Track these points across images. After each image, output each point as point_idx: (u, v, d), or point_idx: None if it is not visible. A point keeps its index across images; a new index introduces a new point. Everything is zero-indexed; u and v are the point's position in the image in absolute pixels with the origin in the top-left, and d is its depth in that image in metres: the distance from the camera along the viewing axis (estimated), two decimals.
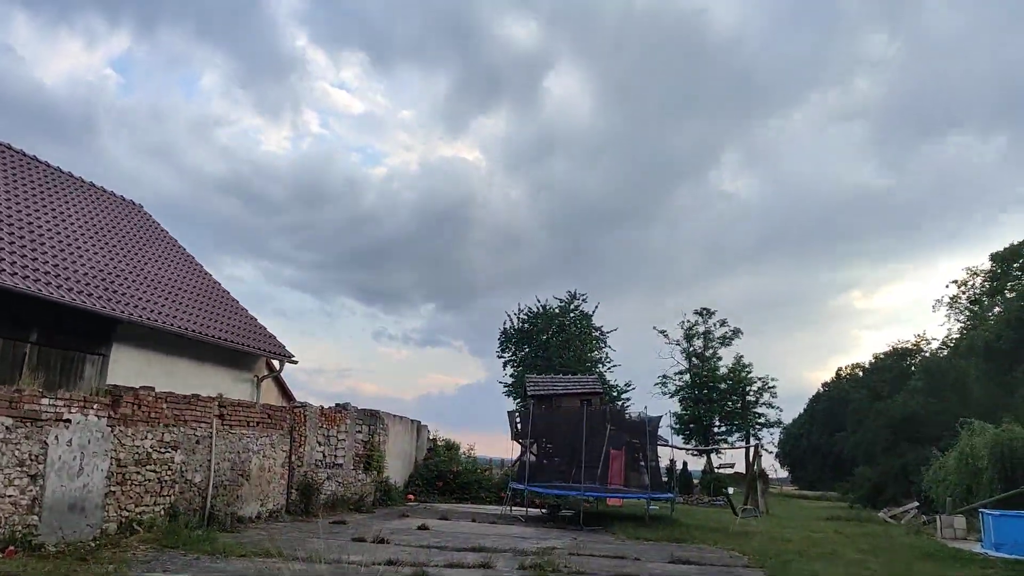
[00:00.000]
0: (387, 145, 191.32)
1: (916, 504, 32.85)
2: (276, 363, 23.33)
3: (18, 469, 10.57)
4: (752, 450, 32.97)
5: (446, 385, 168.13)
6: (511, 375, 49.40)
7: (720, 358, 58.79)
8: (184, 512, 13.87)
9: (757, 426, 57.17)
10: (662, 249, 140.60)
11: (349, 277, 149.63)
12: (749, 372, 57.71)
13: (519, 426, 26.71)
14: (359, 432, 22.03)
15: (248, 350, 21.40)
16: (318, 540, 13.67)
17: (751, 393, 57.46)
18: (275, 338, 23.38)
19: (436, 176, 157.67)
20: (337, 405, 21.72)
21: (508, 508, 23.36)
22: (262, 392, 22.78)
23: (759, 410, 57.66)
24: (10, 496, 10.44)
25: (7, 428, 10.44)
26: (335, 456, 20.55)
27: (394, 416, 25.12)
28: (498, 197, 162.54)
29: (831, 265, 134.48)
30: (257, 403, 18.67)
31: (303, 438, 18.83)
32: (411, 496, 25.24)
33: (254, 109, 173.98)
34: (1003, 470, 26.58)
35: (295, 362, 23.13)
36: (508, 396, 49.85)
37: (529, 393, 30.30)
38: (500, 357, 50.37)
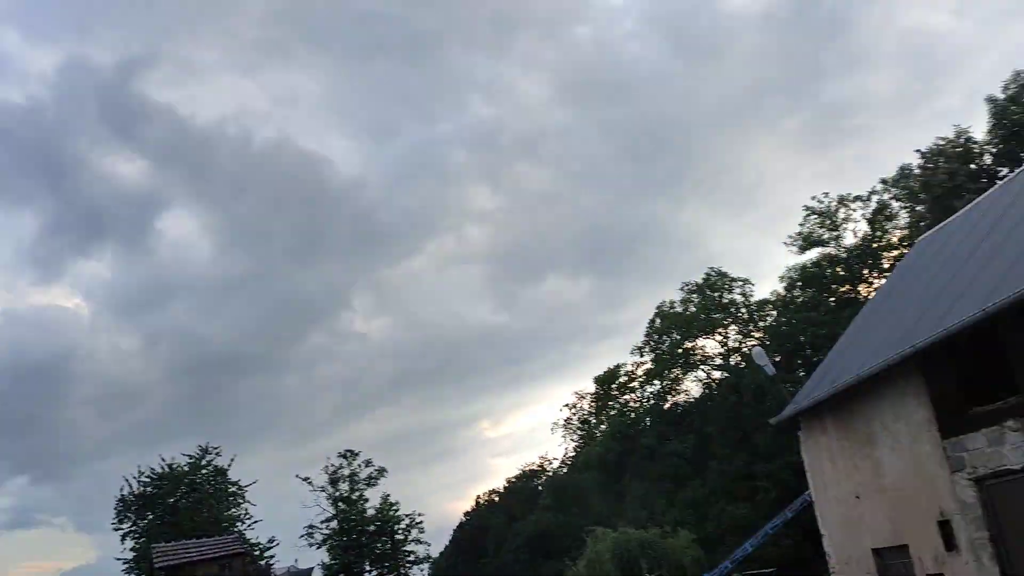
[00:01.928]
0: None
1: None
2: None
3: None
4: None
5: (45, 573, 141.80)
6: (132, 548, 43.42)
7: (367, 499, 58.09)
8: None
9: (407, 564, 56.94)
10: (298, 393, 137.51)
11: None
12: (397, 510, 57.79)
13: None
14: None
15: None
16: None
17: (399, 532, 57.35)
18: None
19: (24, 327, 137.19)
20: None
21: None
22: None
23: (409, 547, 57.60)
24: None
25: None
26: None
27: None
28: (106, 348, 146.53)
29: (461, 399, 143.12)
30: None
31: None
32: None
33: None
34: (625, 569, 29.87)
35: None
36: (129, 574, 43.51)
37: (157, 566, 26.97)
38: (118, 529, 44.02)
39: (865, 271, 40.92)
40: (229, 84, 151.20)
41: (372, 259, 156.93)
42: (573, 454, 61.59)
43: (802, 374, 33.84)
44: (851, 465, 18.07)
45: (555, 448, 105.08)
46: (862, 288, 40.08)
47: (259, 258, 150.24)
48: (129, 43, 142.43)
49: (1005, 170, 32.53)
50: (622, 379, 50.97)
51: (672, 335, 46.21)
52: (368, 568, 55.88)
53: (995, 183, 26.41)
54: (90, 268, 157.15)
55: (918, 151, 37.65)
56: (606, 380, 51.67)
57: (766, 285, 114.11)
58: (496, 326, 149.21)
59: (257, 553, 43.44)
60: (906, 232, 38.02)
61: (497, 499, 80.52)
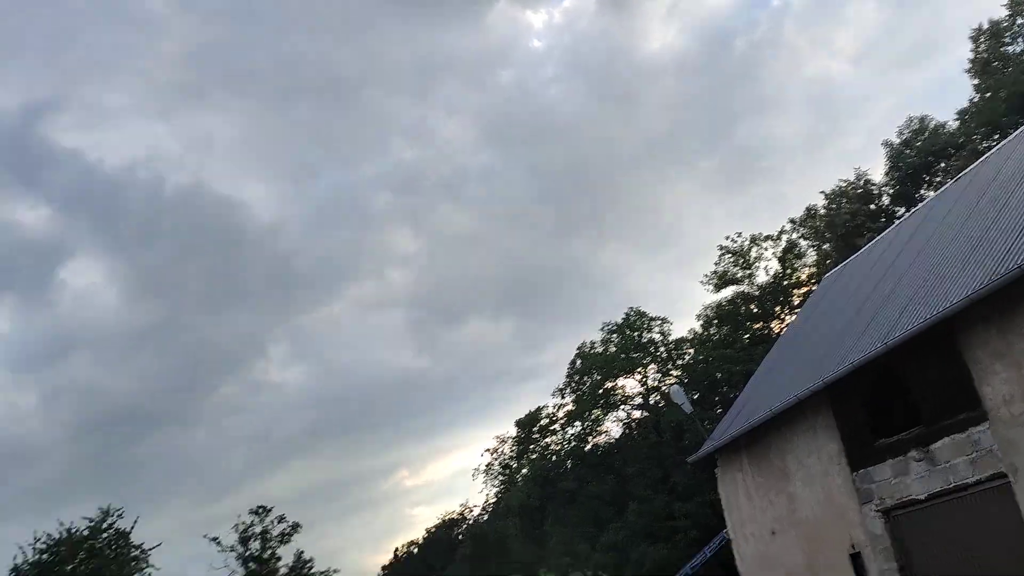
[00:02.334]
0: None
1: None
2: None
3: None
4: None
5: None
6: None
7: (280, 557, 55.72)
8: None
9: None
10: (208, 448, 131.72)
11: None
12: (311, 567, 55.59)
13: None
14: None
15: None
16: None
17: None
18: None
19: None
20: None
21: None
22: None
23: None
24: None
25: None
26: None
27: None
28: (1, 406, 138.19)
29: (379, 448, 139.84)
30: None
31: None
32: None
33: None
34: None
35: None
36: None
37: None
38: None
39: (777, 308, 42.06)
40: (141, 128, 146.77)
41: (288, 305, 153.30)
42: (494, 500, 60.70)
43: (719, 411, 34.30)
44: (766, 500, 18.17)
45: (476, 495, 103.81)
46: (774, 324, 41.14)
47: (169, 307, 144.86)
48: (33, 86, 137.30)
49: (902, 210, 34.15)
50: (543, 421, 50.70)
51: (593, 375, 46.28)
52: None
53: (892, 222, 27.61)
54: None
55: (822, 192, 39.29)
56: (527, 423, 51.29)
57: (684, 323, 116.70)
58: (417, 371, 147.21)
59: None
60: (814, 269, 39.36)
61: (416, 551, 78.61)
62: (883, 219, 35.12)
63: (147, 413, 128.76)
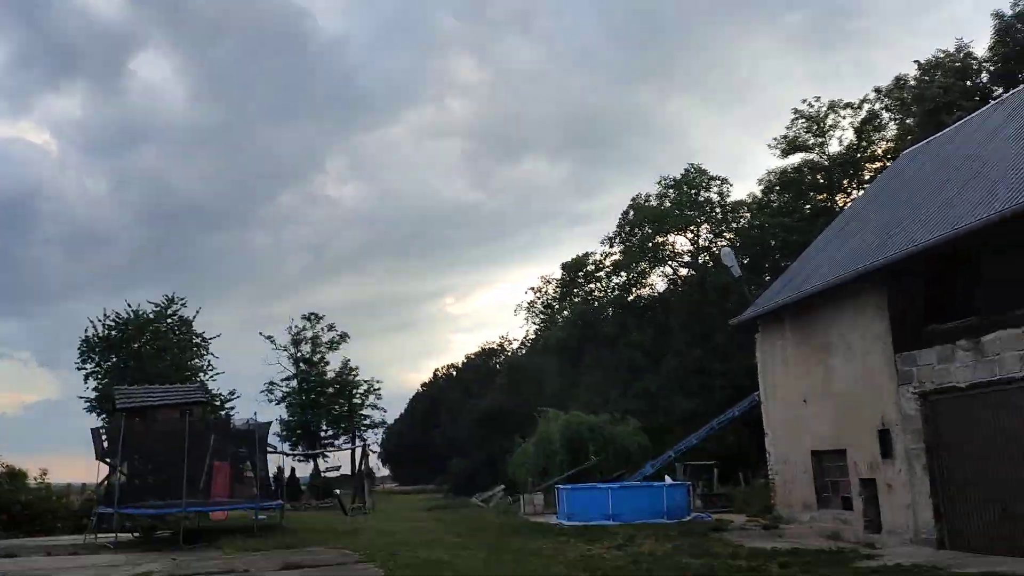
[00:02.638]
0: None
1: (502, 487, 36.51)
2: None
3: None
4: (360, 451, 33.69)
5: (8, 404, 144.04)
6: (95, 388, 43.95)
7: (328, 362, 59.11)
8: None
9: (363, 427, 58.62)
10: (266, 253, 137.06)
11: None
12: (356, 375, 58.95)
13: (106, 444, 23.87)
14: None
15: None
16: None
17: (357, 396, 58.72)
18: None
19: None
20: None
21: (93, 536, 20.73)
22: None
23: (365, 412, 59.17)
24: None
25: None
26: None
27: None
28: (73, 187, 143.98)
29: (427, 272, 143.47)
30: None
31: None
32: None
33: None
34: (571, 451, 30.84)
35: None
36: (91, 412, 44.18)
37: (119, 406, 27.25)
38: (81, 369, 44.50)
39: (845, 181, 40.65)
40: None
41: (349, 123, 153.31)
42: (533, 337, 62.61)
43: (768, 278, 34.16)
44: (803, 370, 18.46)
45: (516, 330, 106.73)
46: (839, 198, 39.90)
47: (234, 110, 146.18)
48: None
49: (1000, 90, 31.93)
50: (589, 267, 51.16)
51: (644, 228, 46.03)
52: (325, 428, 57.53)
53: (988, 102, 25.95)
54: (60, 104, 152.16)
55: (916, 61, 36.72)
56: (573, 267, 51.85)
57: (743, 186, 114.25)
58: (469, 203, 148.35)
59: (218, 403, 44.20)
60: (892, 144, 37.53)
61: (455, 374, 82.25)
62: (978, 97, 32.90)
63: (210, 211, 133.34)
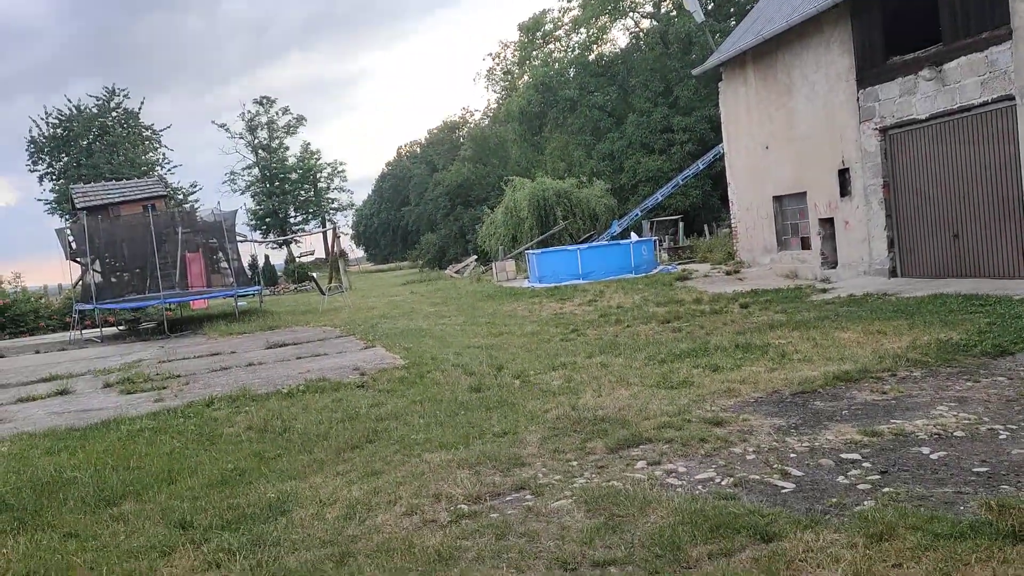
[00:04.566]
0: None
1: (475, 257, 37.33)
2: None
3: None
4: (331, 233, 33.89)
5: None
6: (52, 190, 43.15)
7: (287, 147, 57.93)
8: None
9: (331, 211, 58.68)
10: (204, 35, 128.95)
11: None
12: (318, 159, 58.00)
13: (74, 244, 23.74)
14: None
15: None
16: None
17: (322, 179, 58.16)
18: None
19: None
20: None
21: (78, 332, 21.21)
22: None
23: (332, 195, 58.95)
24: None
25: None
26: None
27: None
28: None
29: (378, 43, 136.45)
30: None
31: None
32: None
33: None
34: (540, 216, 31.24)
35: None
36: (52, 214, 43.78)
37: (79, 206, 26.80)
38: (33, 171, 43.42)
39: None
40: None
41: None
42: (495, 106, 61.11)
43: (733, 23, 32.87)
44: (766, 115, 18.34)
45: (477, 100, 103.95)
46: None
47: None
48: None
49: None
50: (547, 27, 48.90)
51: None
52: (293, 214, 57.53)
53: None
54: None
55: None
56: (531, 28, 49.46)
57: None
58: None
59: (180, 197, 43.68)
60: None
61: (418, 151, 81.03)
62: None
63: None
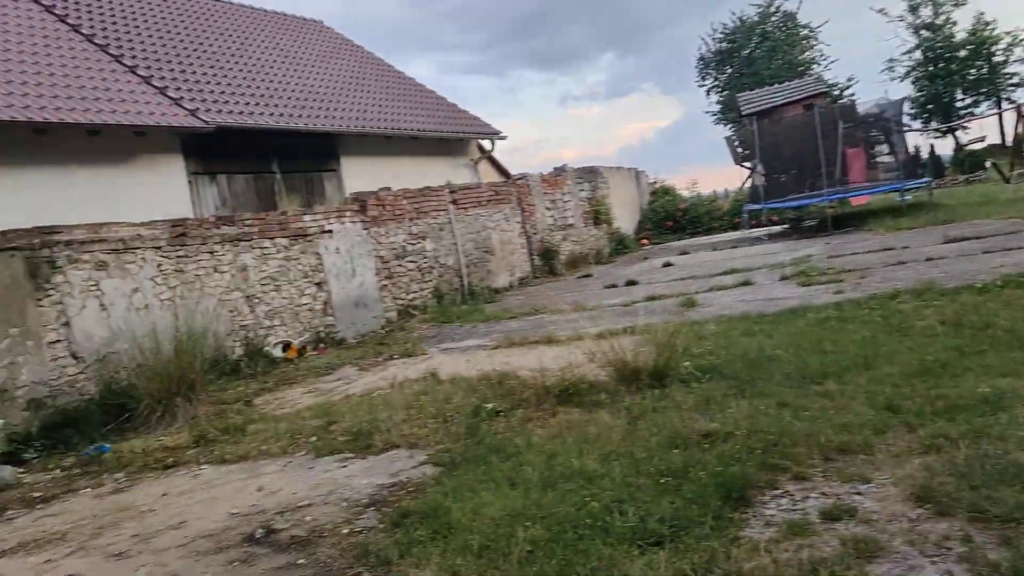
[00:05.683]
0: None
1: None
2: (487, 143, 23.68)
3: (305, 280, 11.81)
4: (1015, 112, 29.27)
5: (644, 132, 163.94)
6: (717, 102, 47.01)
7: (955, 23, 51.43)
8: (446, 292, 14.94)
9: (1009, 88, 50.63)
10: None
11: (519, 47, 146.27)
12: (994, 30, 50.24)
13: (740, 149, 25.52)
14: (581, 190, 22.16)
15: (460, 136, 21.84)
16: (572, 293, 14.28)
17: (998, 53, 50.35)
18: (479, 119, 23.55)
19: None
20: (555, 169, 21.79)
21: (748, 230, 22.94)
22: (481, 175, 23.38)
23: (1010, 70, 50.65)
24: (306, 304, 11.76)
25: (286, 247, 11.56)
26: (564, 217, 20.96)
27: (611, 168, 24.91)
28: None
29: None
30: (481, 183, 19.23)
31: (531, 207, 19.28)
32: (644, 240, 25.48)
33: None
34: None
35: (504, 138, 23.33)
36: (718, 124, 47.82)
37: (744, 112, 28.54)
38: (701, 86, 47.84)
39: None
40: None
41: None
42: None
43: None
44: None
45: None
46: None
47: None
48: None
49: None
50: None
51: None
52: (960, 97, 51.31)
53: None
54: None
55: None
56: None
57: None
58: None
59: (837, 92, 43.23)
60: None
61: None
62: None
63: None
